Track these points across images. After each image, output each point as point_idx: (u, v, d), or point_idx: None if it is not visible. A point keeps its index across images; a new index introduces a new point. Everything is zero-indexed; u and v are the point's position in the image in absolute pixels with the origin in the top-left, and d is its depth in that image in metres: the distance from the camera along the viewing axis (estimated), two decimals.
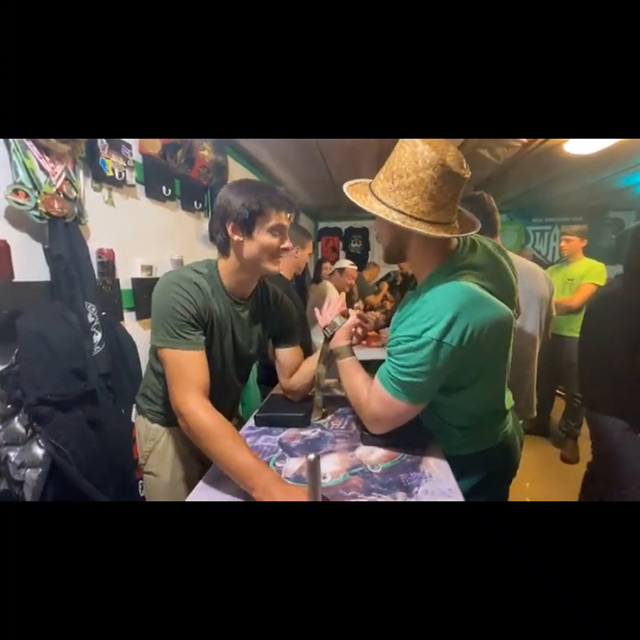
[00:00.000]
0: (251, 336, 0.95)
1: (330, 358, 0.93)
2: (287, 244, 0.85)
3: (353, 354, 0.88)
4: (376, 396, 0.75)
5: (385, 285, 3.68)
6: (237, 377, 1.00)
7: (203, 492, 0.70)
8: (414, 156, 0.64)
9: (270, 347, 1.07)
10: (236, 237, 0.82)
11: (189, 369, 0.75)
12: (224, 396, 0.95)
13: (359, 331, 0.95)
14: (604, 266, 2.38)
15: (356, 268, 2.56)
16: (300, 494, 0.61)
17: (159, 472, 0.95)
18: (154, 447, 0.95)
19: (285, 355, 1.03)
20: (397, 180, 0.66)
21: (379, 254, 4.96)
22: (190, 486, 0.76)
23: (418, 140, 0.64)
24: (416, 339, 0.67)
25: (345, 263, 2.51)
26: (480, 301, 0.68)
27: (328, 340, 0.92)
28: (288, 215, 0.85)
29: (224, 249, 0.86)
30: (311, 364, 1.00)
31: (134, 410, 1.06)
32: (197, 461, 0.94)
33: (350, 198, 0.71)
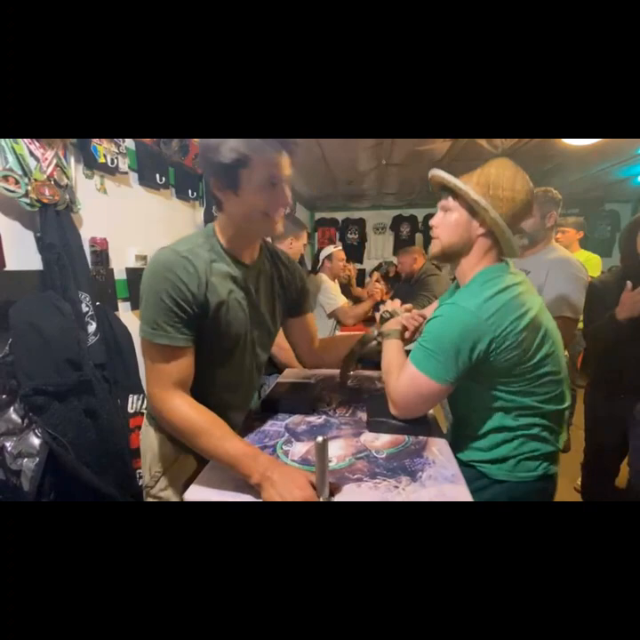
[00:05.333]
0: (266, 301, 0.85)
1: (368, 341, 0.98)
2: (287, 196, 0.72)
3: (399, 337, 0.92)
4: (404, 372, 0.79)
5: (375, 274, 3.67)
6: (260, 354, 0.88)
7: (200, 491, 0.68)
8: (515, 177, 0.74)
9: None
10: (224, 196, 0.71)
11: (167, 366, 0.68)
12: (248, 378, 0.87)
13: (415, 324, 0.96)
14: (600, 258, 2.40)
15: (340, 248, 2.52)
16: (297, 475, 0.61)
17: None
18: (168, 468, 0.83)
19: (299, 325, 0.98)
20: (493, 190, 0.73)
21: (374, 245, 4.94)
22: None
23: (519, 168, 0.76)
24: (452, 306, 0.72)
25: (329, 249, 2.47)
26: (520, 298, 0.72)
27: (384, 321, 0.96)
28: (285, 159, 0.68)
29: (217, 205, 0.74)
30: (343, 344, 1.03)
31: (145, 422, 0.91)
32: None
33: (455, 182, 0.75)
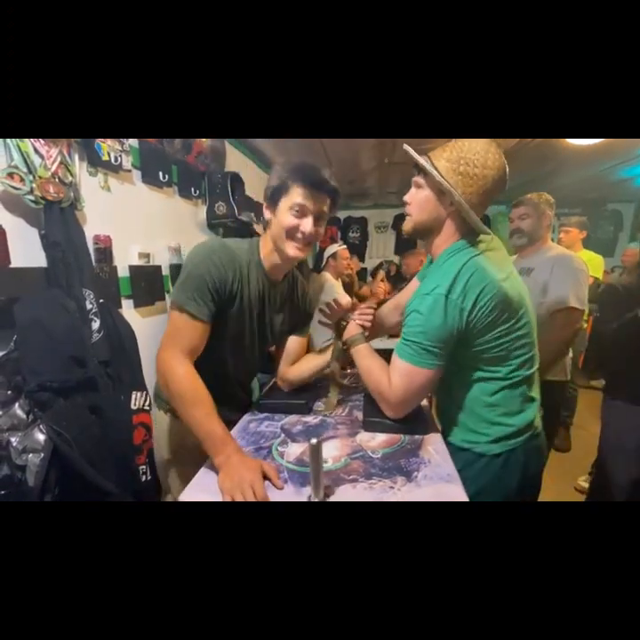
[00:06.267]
0: (280, 318, 0.95)
1: (342, 354, 0.95)
2: (307, 227, 0.79)
3: (365, 341, 0.91)
4: (396, 372, 0.78)
5: (381, 273, 3.67)
6: (259, 356, 1.00)
7: (197, 491, 0.69)
8: (487, 154, 0.72)
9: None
10: (267, 214, 0.83)
11: (187, 333, 0.76)
12: (244, 373, 0.99)
13: (368, 318, 0.96)
14: (602, 258, 2.39)
15: (345, 247, 2.52)
16: (251, 463, 0.67)
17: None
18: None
19: (294, 342, 1.03)
20: (464, 166, 0.72)
21: (376, 244, 4.93)
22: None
23: (493, 142, 0.73)
24: (426, 297, 0.73)
25: (334, 248, 2.47)
26: (481, 270, 0.73)
27: (341, 332, 0.93)
28: (319, 197, 0.79)
29: (265, 224, 0.86)
30: (313, 362, 1.01)
31: (154, 406, 1.08)
32: None
33: (422, 163, 0.74)
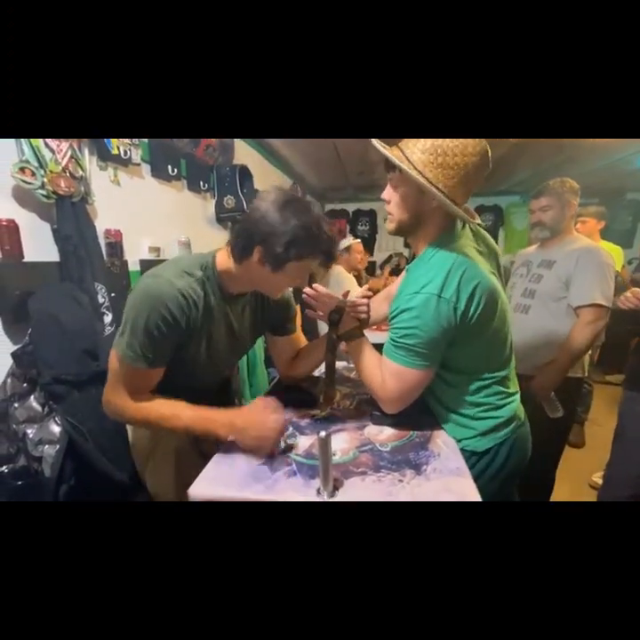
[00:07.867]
0: (247, 328, 0.90)
1: (336, 345, 0.91)
2: (304, 282, 0.80)
3: (363, 335, 0.87)
4: (387, 372, 0.76)
5: (387, 268, 3.65)
6: (229, 364, 1.00)
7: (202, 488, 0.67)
8: (465, 140, 0.66)
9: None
10: (256, 262, 0.71)
11: (138, 382, 0.71)
12: (211, 382, 0.94)
13: (364, 310, 0.92)
14: (621, 249, 2.32)
15: (359, 241, 2.48)
16: (261, 415, 0.67)
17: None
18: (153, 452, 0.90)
19: (282, 343, 1.00)
20: (442, 156, 0.66)
21: (385, 237, 4.88)
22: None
23: None
24: (415, 296, 0.69)
25: (348, 241, 2.44)
26: (473, 265, 0.71)
27: (335, 325, 0.88)
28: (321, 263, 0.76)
29: (237, 257, 0.73)
30: (316, 351, 0.98)
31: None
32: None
33: (397, 163, 0.68)
